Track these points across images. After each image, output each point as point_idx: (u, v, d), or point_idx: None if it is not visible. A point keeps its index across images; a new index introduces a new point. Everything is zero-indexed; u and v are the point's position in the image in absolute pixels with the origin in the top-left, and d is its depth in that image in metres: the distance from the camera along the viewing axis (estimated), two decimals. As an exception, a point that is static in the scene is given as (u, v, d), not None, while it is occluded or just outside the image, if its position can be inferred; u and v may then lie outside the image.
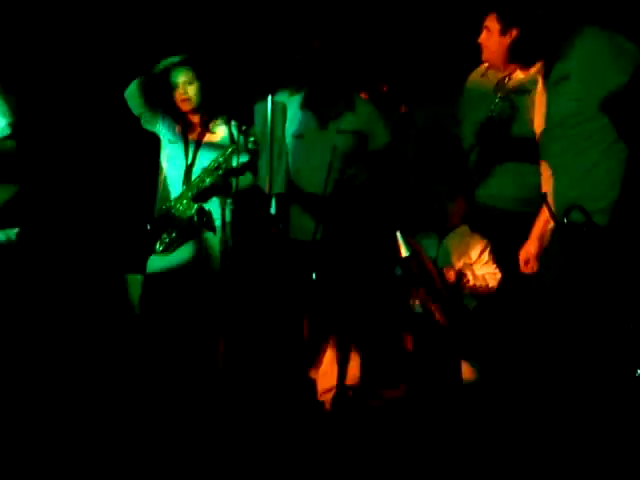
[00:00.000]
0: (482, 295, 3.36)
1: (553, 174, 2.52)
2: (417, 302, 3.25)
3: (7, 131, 3.41)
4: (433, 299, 3.05)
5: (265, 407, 3.37)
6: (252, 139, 3.35)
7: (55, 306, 3.96)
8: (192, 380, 3.56)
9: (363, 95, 4.20)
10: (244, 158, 3.37)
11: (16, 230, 3.47)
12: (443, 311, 3.10)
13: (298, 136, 3.61)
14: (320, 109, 3.60)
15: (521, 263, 2.70)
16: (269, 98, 3.34)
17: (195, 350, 3.60)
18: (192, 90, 3.60)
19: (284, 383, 3.46)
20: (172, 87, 3.62)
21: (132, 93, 3.63)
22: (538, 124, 2.61)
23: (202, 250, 3.61)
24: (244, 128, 3.48)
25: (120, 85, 3.72)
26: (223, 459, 2.95)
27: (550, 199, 2.50)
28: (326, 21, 3.93)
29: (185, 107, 3.62)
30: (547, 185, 2.56)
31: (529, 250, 2.68)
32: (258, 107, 3.65)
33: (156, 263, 3.63)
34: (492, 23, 2.58)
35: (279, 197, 3.54)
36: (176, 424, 3.25)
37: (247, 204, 3.70)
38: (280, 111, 3.66)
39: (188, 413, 3.34)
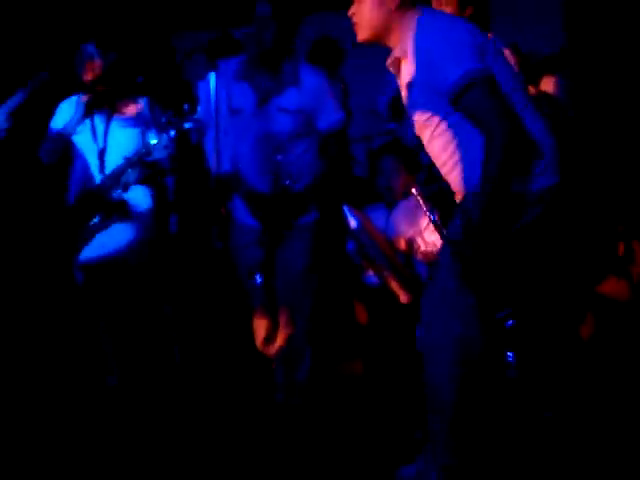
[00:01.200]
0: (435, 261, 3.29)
1: None
2: (371, 273, 3.19)
3: None
4: (386, 269, 2.96)
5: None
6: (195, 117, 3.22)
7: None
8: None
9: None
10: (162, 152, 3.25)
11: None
12: (398, 280, 3.01)
13: (234, 111, 3.26)
14: (259, 81, 3.25)
15: None
16: (212, 74, 3.12)
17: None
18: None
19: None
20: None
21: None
22: None
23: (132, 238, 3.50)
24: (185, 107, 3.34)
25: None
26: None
27: None
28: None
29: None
30: None
31: None
32: (202, 82, 3.32)
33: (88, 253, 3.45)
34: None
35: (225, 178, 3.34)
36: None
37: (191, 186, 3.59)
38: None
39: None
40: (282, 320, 3.28)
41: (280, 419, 3.21)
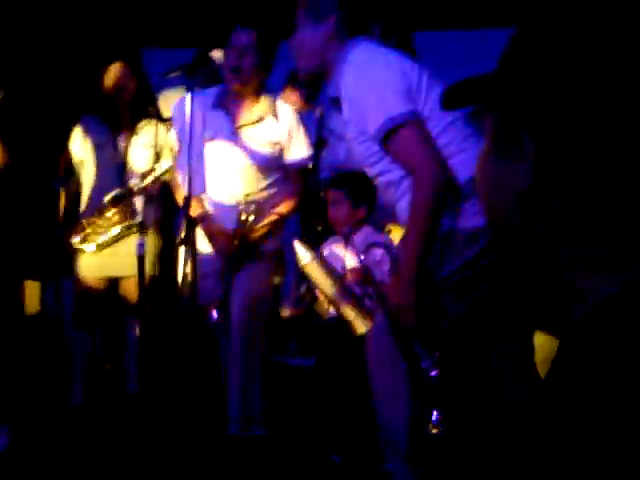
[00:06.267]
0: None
1: None
2: (328, 308, 3.12)
3: None
4: (341, 301, 2.89)
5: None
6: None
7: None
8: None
9: (290, 92, 3.98)
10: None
11: None
12: (354, 312, 2.94)
13: (208, 138, 3.23)
14: (235, 111, 3.22)
15: None
16: (188, 95, 3.10)
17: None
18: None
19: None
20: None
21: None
22: None
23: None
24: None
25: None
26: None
27: None
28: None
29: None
30: None
31: None
32: (178, 105, 3.30)
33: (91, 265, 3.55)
34: None
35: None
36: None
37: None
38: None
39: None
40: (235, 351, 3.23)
41: (234, 451, 3.15)
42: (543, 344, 2.96)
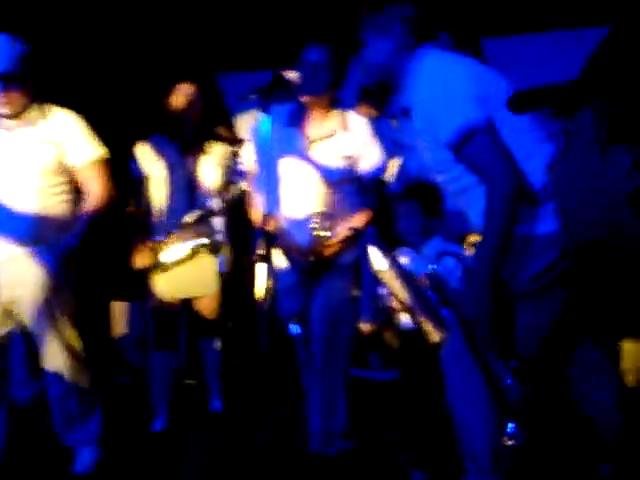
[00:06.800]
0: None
1: None
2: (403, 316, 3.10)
3: None
4: (416, 309, 2.85)
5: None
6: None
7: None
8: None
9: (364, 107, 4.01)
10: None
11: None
12: (430, 320, 2.90)
13: (284, 155, 3.23)
14: (308, 127, 3.22)
15: None
16: (264, 116, 3.12)
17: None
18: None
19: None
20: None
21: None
22: None
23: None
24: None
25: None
26: None
27: None
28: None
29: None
30: None
31: None
32: (254, 126, 3.35)
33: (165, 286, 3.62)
34: None
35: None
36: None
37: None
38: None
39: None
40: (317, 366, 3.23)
41: (316, 468, 3.15)
42: (632, 351, 2.86)
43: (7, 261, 3.03)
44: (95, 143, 3.17)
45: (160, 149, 3.70)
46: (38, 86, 3.05)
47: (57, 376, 3.08)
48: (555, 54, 4.38)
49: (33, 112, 3.05)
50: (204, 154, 3.70)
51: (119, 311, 3.98)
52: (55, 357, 3.06)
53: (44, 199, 3.06)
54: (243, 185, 3.47)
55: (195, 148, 3.70)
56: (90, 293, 4.10)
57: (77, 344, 3.12)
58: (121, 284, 3.89)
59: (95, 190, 3.16)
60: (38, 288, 3.02)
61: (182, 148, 3.68)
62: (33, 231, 3.02)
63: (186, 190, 3.66)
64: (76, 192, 3.18)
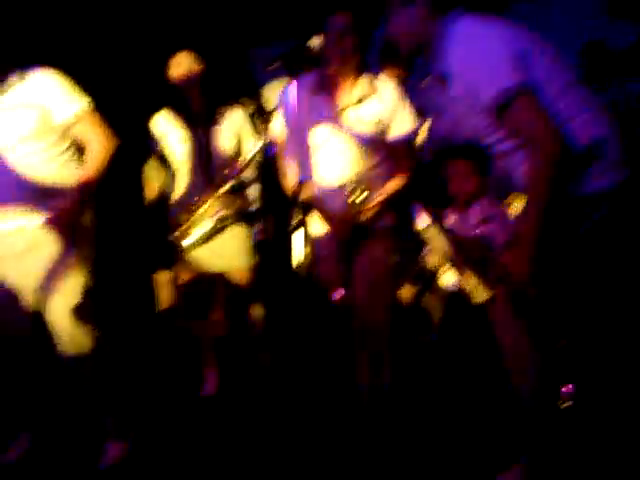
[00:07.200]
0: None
1: None
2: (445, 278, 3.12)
3: None
4: (463, 265, 2.86)
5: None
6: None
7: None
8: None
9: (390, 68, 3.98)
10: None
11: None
12: (476, 277, 2.91)
13: (313, 122, 3.23)
14: (337, 93, 3.21)
15: None
16: (293, 85, 3.11)
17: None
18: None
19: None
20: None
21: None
22: None
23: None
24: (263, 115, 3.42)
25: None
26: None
27: None
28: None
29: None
30: None
31: None
32: (282, 94, 3.36)
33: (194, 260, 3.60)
34: None
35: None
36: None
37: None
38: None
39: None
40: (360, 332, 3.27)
41: (366, 422, 3.22)
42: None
43: (15, 233, 2.96)
44: (78, 96, 3.02)
45: (170, 123, 3.64)
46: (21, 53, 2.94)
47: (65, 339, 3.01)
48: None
49: (14, 78, 2.93)
50: (216, 123, 3.62)
51: (163, 282, 4.00)
52: (62, 320, 2.99)
53: (44, 165, 2.95)
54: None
55: (205, 118, 3.61)
56: (132, 267, 4.18)
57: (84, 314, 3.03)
58: (161, 255, 3.90)
59: (94, 144, 3.02)
60: (49, 261, 2.95)
61: (191, 120, 3.60)
62: (36, 199, 2.91)
63: (201, 162, 3.59)
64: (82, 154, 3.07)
